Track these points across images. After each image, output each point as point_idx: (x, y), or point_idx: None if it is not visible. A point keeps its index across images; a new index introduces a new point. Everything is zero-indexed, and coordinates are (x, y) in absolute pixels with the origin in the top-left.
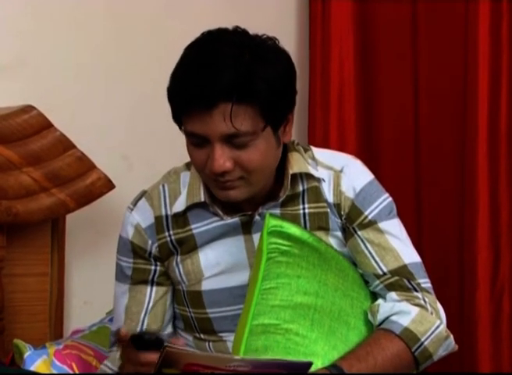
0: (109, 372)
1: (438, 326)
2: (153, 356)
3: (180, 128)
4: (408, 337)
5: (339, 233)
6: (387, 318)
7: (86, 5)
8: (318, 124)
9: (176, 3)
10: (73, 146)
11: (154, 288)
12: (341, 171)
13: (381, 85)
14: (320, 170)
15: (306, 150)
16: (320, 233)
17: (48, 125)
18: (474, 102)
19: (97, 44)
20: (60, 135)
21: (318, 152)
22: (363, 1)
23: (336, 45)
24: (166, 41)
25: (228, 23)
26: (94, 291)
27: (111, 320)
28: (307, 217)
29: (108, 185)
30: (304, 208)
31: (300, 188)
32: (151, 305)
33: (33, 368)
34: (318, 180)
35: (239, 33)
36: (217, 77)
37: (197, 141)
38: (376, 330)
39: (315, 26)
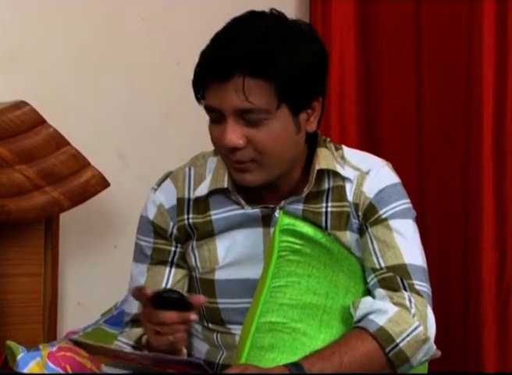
0: (124, 347)
1: (415, 328)
2: (171, 315)
3: (199, 102)
4: (382, 336)
5: (357, 235)
6: (365, 316)
7: None
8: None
9: None
10: (67, 143)
11: (173, 270)
12: (367, 173)
13: (382, 84)
14: (347, 170)
15: (337, 148)
16: (340, 234)
17: (41, 121)
18: (478, 100)
19: (92, 39)
20: (54, 132)
21: (349, 152)
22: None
23: (336, 43)
24: (163, 35)
25: (226, 17)
26: (88, 292)
27: (106, 322)
28: (328, 216)
29: (103, 183)
30: (326, 207)
31: (326, 186)
32: (168, 287)
33: (26, 370)
34: (344, 179)
35: (273, 16)
36: (234, 49)
37: (215, 117)
38: (351, 329)
39: (315, 24)
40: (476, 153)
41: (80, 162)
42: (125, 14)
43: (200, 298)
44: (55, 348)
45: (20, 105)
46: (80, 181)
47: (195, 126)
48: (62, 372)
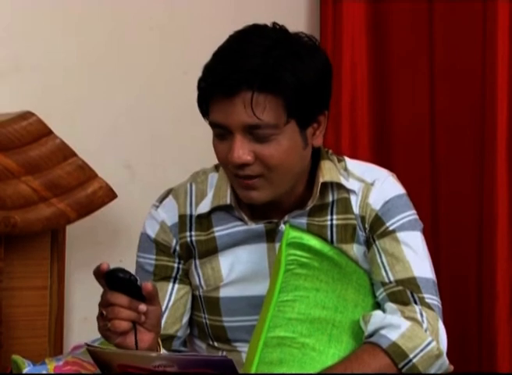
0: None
1: (429, 343)
2: (122, 299)
3: (205, 118)
4: (395, 352)
5: (364, 248)
6: (377, 330)
7: (84, 6)
8: (329, 129)
9: (179, 2)
10: (74, 154)
11: (176, 286)
12: (372, 184)
13: (395, 89)
14: (351, 181)
15: (340, 160)
16: (347, 247)
17: (47, 132)
18: (492, 106)
19: (98, 49)
20: (60, 143)
21: (352, 163)
22: (376, 2)
23: (347, 47)
24: (170, 44)
25: (234, 25)
26: (95, 306)
27: None
28: (334, 229)
29: (110, 194)
30: (331, 220)
31: (330, 198)
32: (171, 303)
33: None
34: (349, 191)
35: (276, 29)
36: (242, 64)
37: (220, 133)
38: (363, 344)
39: (326, 28)
40: (490, 161)
41: (87, 174)
42: (132, 23)
43: (148, 285)
44: (61, 363)
45: (26, 115)
46: (87, 193)
47: (203, 137)
48: None
